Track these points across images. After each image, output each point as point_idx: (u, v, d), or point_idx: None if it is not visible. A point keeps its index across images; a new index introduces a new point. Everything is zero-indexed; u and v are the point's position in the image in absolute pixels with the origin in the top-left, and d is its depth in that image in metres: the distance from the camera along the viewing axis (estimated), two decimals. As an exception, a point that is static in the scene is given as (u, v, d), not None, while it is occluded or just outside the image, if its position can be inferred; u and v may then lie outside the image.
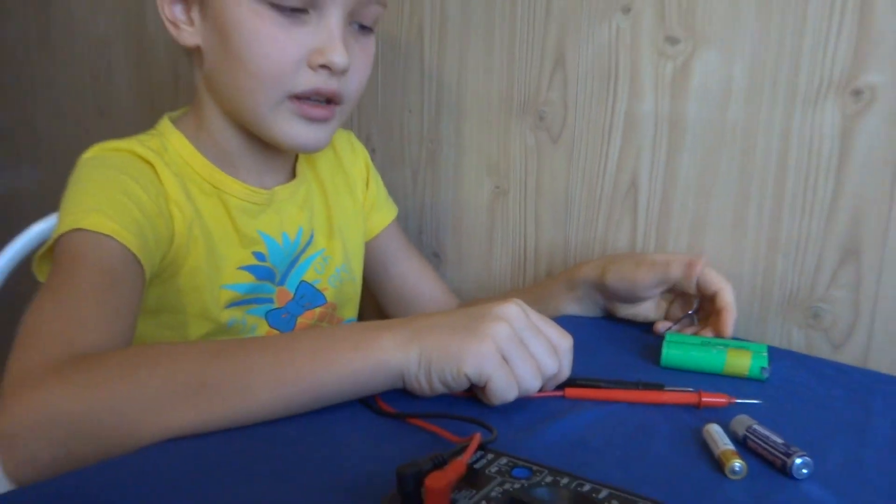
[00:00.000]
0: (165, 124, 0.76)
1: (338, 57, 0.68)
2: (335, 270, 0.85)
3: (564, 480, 0.42)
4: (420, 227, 1.05)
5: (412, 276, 0.93)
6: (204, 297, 0.73)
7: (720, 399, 0.60)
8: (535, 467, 0.43)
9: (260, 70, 0.68)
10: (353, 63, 0.70)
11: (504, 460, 0.44)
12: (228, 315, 0.74)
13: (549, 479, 0.42)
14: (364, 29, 0.73)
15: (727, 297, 0.70)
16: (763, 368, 0.64)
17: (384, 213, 0.93)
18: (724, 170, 0.78)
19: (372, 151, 1.08)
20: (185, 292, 0.72)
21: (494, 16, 0.93)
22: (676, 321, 0.74)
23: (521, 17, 0.90)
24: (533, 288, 0.88)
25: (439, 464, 0.40)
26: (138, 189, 0.66)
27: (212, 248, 0.73)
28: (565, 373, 0.58)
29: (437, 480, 0.38)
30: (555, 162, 0.90)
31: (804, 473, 0.50)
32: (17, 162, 2.02)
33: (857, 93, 0.69)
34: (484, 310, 0.54)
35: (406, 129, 1.04)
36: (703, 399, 0.60)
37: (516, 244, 0.96)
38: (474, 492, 0.40)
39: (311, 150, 0.75)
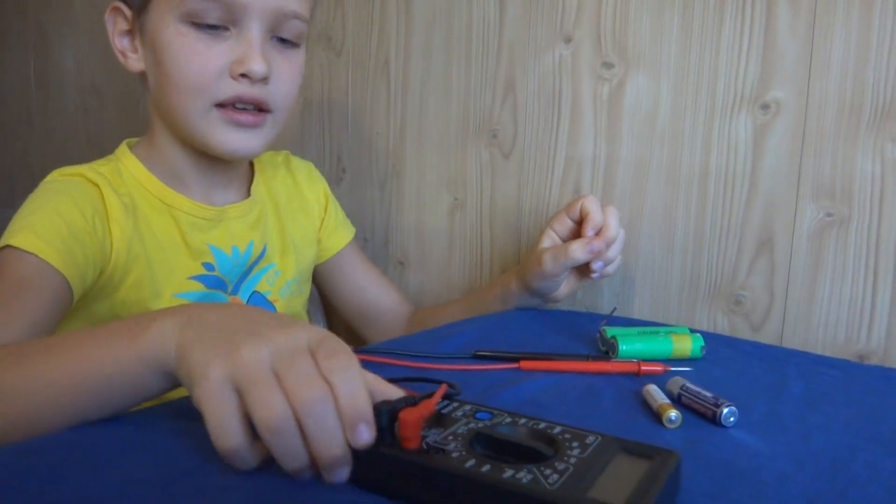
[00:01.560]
0: (122, 150, 0.77)
1: (255, 65, 0.67)
2: (286, 283, 0.84)
3: (522, 420, 0.43)
4: (386, 238, 1.06)
5: (372, 289, 0.94)
6: (150, 308, 0.72)
7: (657, 367, 0.62)
8: (495, 412, 0.44)
9: (185, 82, 0.68)
10: (277, 73, 0.70)
11: (468, 407, 0.45)
12: None
13: (508, 419, 0.43)
14: (287, 42, 0.72)
15: (588, 204, 0.73)
16: (702, 347, 0.67)
17: (342, 234, 0.94)
18: (654, 174, 0.80)
19: (342, 171, 1.09)
20: (129, 304, 0.71)
21: (452, 48, 0.95)
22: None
23: (475, 50, 0.93)
24: (472, 297, 0.88)
25: (411, 403, 0.41)
26: (74, 210, 0.67)
27: (160, 261, 0.73)
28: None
29: (410, 414, 0.38)
30: (507, 175, 0.92)
31: (731, 422, 0.52)
32: (12, 198, 1.98)
33: (765, 106, 0.73)
34: (266, 319, 0.41)
35: (374, 150, 1.05)
36: (643, 368, 0.62)
37: (474, 250, 0.98)
38: (442, 429, 0.41)
39: (245, 156, 0.75)
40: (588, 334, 0.73)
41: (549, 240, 0.76)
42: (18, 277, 0.61)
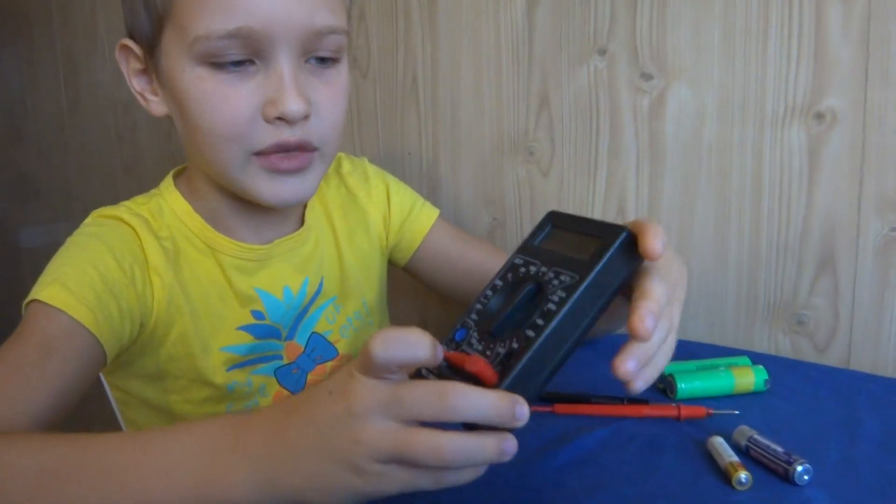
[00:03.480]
0: (166, 183, 0.71)
1: (291, 105, 0.58)
2: (347, 319, 0.77)
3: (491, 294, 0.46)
4: (426, 259, 1.04)
5: (478, 259, 0.81)
6: (198, 363, 0.67)
7: (698, 411, 0.60)
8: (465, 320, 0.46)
9: (214, 133, 0.60)
10: (319, 102, 0.61)
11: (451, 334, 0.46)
12: (229, 378, 0.69)
13: (488, 301, 0.46)
14: (326, 61, 0.62)
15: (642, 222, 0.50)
16: (766, 381, 0.64)
17: (423, 218, 0.82)
18: (703, 190, 0.77)
19: (377, 193, 1.07)
20: (177, 359, 0.66)
21: (481, 64, 0.92)
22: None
23: (505, 65, 0.90)
24: None
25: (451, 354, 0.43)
26: (110, 260, 0.61)
27: (205, 311, 0.67)
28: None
29: (474, 363, 0.41)
30: (546, 193, 0.90)
31: (805, 480, 0.49)
32: (55, 218, 2.02)
33: (819, 116, 0.69)
34: (333, 406, 0.39)
35: (407, 171, 1.03)
36: (683, 412, 0.60)
37: (516, 270, 0.95)
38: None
39: (296, 204, 0.66)
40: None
41: None
42: (45, 338, 0.55)
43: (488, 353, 0.42)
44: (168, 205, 0.69)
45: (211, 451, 0.41)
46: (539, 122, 0.88)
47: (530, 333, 0.41)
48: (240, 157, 0.61)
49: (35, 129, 2.01)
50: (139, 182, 1.60)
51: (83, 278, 0.59)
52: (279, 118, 0.59)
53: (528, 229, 0.92)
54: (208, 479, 0.40)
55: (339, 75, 0.64)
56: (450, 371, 0.42)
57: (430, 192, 1.01)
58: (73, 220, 1.93)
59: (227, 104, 0.59)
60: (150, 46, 0.63)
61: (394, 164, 1.05)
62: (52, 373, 0.53)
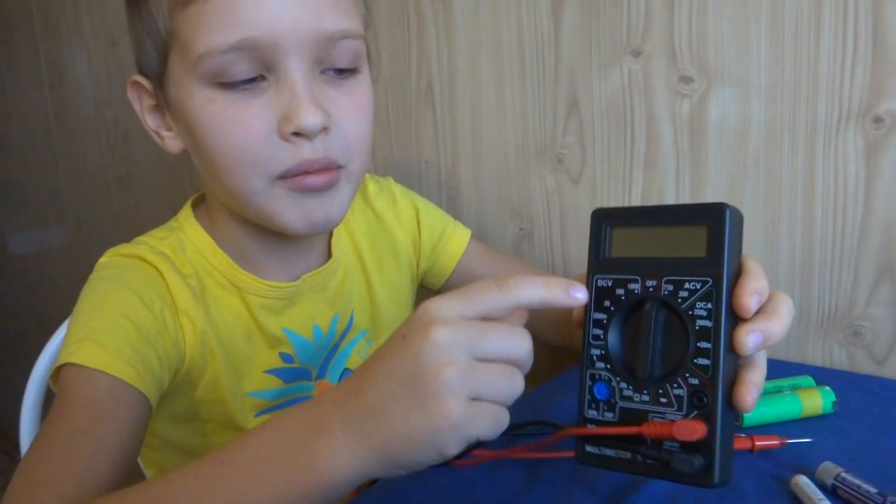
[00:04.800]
0: (186, 215, 0.67)
1: (307, 118, 0.53)
2: None
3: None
4: (448, 271, 1.00)
5: None
6: (228, 408, 0.64)
7: (773, 441, 0.56)
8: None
9: (231, 159, 0.55)
10: (340, 115, 0.56)
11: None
12: (258, 423, 0.67)
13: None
14: (344, 72, 0.58)
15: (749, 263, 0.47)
16: (834, 402, 0.60)
17: (456, 241, 0.80)
18: (749, 200, 0.73)
19: (394, 202, 1.02)
20: (207, 403, 0.63)
21: (503, 67, 0.88)
22: None
23: (529, 68, 0.85)
24: None
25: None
26: (140, 307, 0.57)
27: (234, 354, 0.64)
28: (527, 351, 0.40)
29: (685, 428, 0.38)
30: (578, 203, 0.85)
31: (905, 524, 0.46)
32: (44, 224, 1.96)
33: (877, 120, 0.65)
34: (413, 353, 0.37)
35: (426, 181, 0.99)
36: (757, 443, 0.56)
37: (545, 280, 0.91)
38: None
39: (324, 229, 0.60)
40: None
41: None
42: (91, 404, 0.51)
43: (663, 400, 0.39)
44: (189, 239, 0.64)
45: (291, 440, 0.39)
46: (568, 127, 0.84)
47: (703, 362, 0.38)
48: (261, 184, 0.56)
49: (21, 137, 1.94)
50: (134, 193, 1.54)
51: (117, 331, 0.55)
52: (296, 133, 0.54)
53: (559, 240, 0.88)
54: (294, 466, 0.39)
55: (361, 86, 0.59)
56: (650, 447, 0.39)
57: (451, 202, 0.97)
58: (63, 227, 1.89)
59: (238, 125, 0.54)
60: (159, 77, 0.58)
61: (410, 173, 1.01)
62: (107, 438, 0.50)
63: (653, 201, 0.79)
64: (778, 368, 0.68)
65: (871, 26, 0.63)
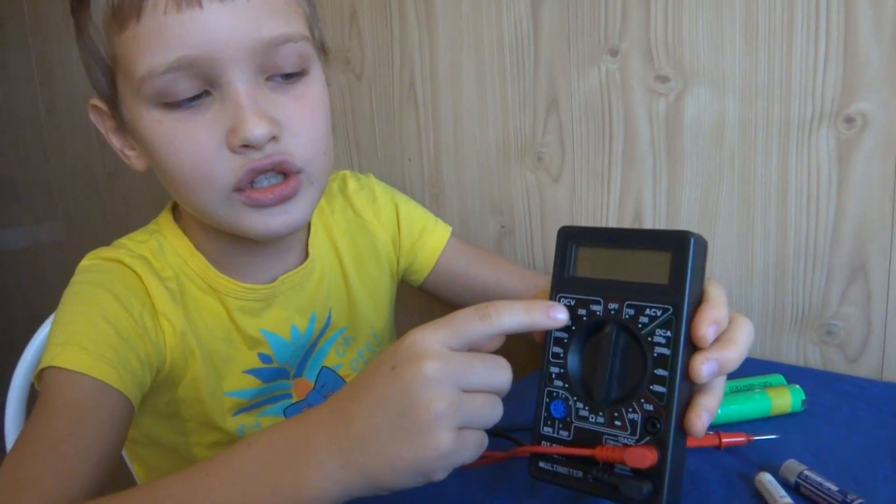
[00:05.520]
0: (165, 218, 0.67)
1: (252, 130, 0.52)
2: (358, 352, 0.74)
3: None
4: (431, 268, 1.00)
5: (493, 278, 0.79)
6: (206, 408, 0.65)
7: (739, 438, 0.57)
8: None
9: (186, 176, 0.55)
10: (289, 119, 0.56)
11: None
12: (237, 423, 0.66)
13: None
14: (291, 76, 0.57)
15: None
16: (803, 401, 0.61)
17: (435, 239, 0.80)
18: (725, 198, 0.73)
19: (377, 200, 1.03)
20: (186, 402, 0.64)
21: (483, 65, 0.88)
22: None
23: (510, 66, 0.86)
24: None
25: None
26: (121, 311, 0.58)
27: (213, 354, 0.64)
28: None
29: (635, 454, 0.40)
30: (558, 201, 0.86)
31: (865, 521, 0.47)
32: (35, 220, 1.95)
33: (849, 120, 0.65)
34: (404, 387, 0.38)
35: (408, 178, 0.99)
36: (724, 440, 0.57)
37: (526, 278, 0.91)
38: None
39: (291, 232, 0.60)
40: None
41: None
42: (73, 406, 0.52)
43: (617, 423, 0.40)
44: (169, 242, 0.65)
45: (278, 457, 0.40)
46: (547, 126, 0.84)
47: (659, 389, 0.38)
48: (217, 196, 0.56)
49: (12, 132, 1.94)
50: (124, 190, 1.54)
51: (98, 334, 0.55)
52: (245, 146, 0.54)
53: (538, 237, 0.88)
54: (280, 483, 0.39)
55: (311, 87, 0.58)
56: (601, 470, 0.40)
57: (434, 199, 0.97)
58: (54, 222, 1.88)
59: (187, 143, 0.54)
60: (112, 100, 0.58)
61: (393, 169, 1.01)
62: (90, 439, 0.51)
63: (631, 201, 0.80)
64: (751, 367, 0.68)
65: (843, 27, 0.64)
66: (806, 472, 0.50)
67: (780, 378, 0.64)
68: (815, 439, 0.58)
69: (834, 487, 0.48)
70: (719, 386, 0.42)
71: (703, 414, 0.40)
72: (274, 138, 0.54)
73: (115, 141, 0.62)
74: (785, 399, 0.61)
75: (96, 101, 0.61)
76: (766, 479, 0.50)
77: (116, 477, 0.54)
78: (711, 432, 0.57)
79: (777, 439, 0.57)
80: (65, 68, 1.62)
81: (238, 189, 0.56)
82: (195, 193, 0.57)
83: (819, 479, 0.49)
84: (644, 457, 0.38)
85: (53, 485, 0.47)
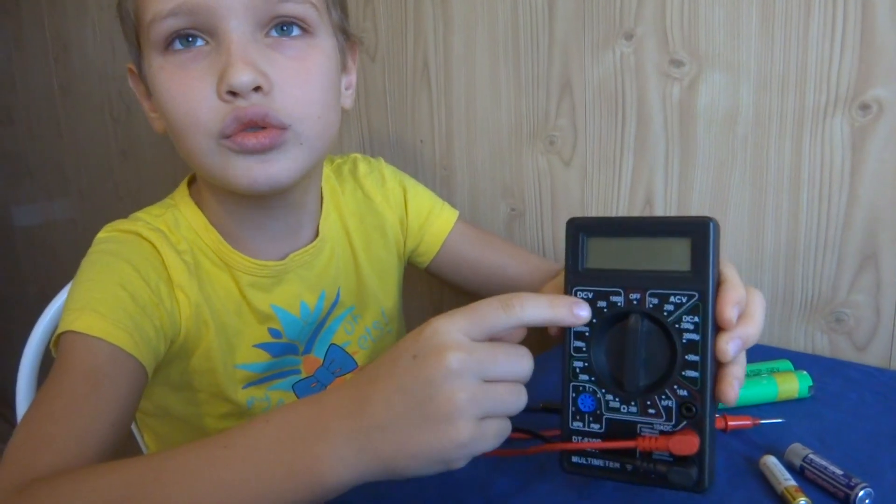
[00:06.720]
0: (181, 192, 0.68)
1: (237, 75, 0.53)
2: (365, 330, 0.75)
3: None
4: (441, 250, 1.00)
5: (498, 262, 0.80)
6: (218, 378, 0.65)
7: (745, 421, 0.57)
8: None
9: (178, 121, 0.57)
10: (281, 76, 0.56)
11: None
12: (247, 395, 0.67)
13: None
14: (290, 30, 0.58)
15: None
16: (810, 387, 0.61)
17: (442, 221, 0.81)
18: (737, 183, 0.73)
19: (388, 181, 1.03)
20: (199, 373, 0.65)
21: (497, 47, 0.88)
22: None
23: (524, 49, 0.85)
24: None
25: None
26: (138, 280, 0.59)
27: (225, 327, 0.65)
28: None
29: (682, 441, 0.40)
30: (569, 184, 0.86)
31: (868, 505, 0.47)
32: (49, 197, 1.97)
33: (864, 107, 0.65)
34: (427, 377, 0.38)
35: (420, 160, 0.99)
36: (730, 423, 0.57)
37: (536, 261, 0.91)
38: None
39: (273, 189, 0.59)
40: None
41: None
42: (91, 369, 0.53)
43: (651, 411, 0.40)
44: (184, 216, 0.66)
45: (294, 438, 0.40)
46: (560, 109, 0.84)
47: (692, 374, 0.39)
48: (206, 143, 0.57)
49: (26, 110, 1.94)
50: (136, 167, 1.55)
51: (115, 301, 0.56)
52: (231, 92, 0.55)
53: (549, 221, 0.88)
54: (296, 464, 0.39)
55: (313, 51, 0.59)
56: (641, 458, 0.40)
57: (444, 181, 0.97)
58: (66, 200, 1.90)
59: (183, 89, 0.56)
60: (139, 62, 0.61)
61: (405, 151, 1.01)
62: (106, 402, 0.52)
63: (642, 186, 0.80)
64: (759, 353, 0.69)
65: (860, 13, 0.63)
66: (811, 456, 0.50)
67: (787, 364, 0.64)
68: (820, 425, 0.58)
69: (839, 471, 0.48)
70: (742, 356, 0.43)
71: (735, 382, 0.41)
72: (261, 88, 0.55)
73: (145, 104, 0.64)
74: (792, 385, 0.61)
75: (131, 65, 0.63)
76: (771, 462, 0.51)
77: (124, 447, 0.55)
78: (718, 415, 0.58)
79: (783, 423, 0.57)
80: (79, 46, 1.62)
81: (225, 136, 0.56)
82: (187, 140, 0.58)
83: (824, 462, 0.49)
84: (690, 443, 0.38)
85: (70, 444, 0.48)
